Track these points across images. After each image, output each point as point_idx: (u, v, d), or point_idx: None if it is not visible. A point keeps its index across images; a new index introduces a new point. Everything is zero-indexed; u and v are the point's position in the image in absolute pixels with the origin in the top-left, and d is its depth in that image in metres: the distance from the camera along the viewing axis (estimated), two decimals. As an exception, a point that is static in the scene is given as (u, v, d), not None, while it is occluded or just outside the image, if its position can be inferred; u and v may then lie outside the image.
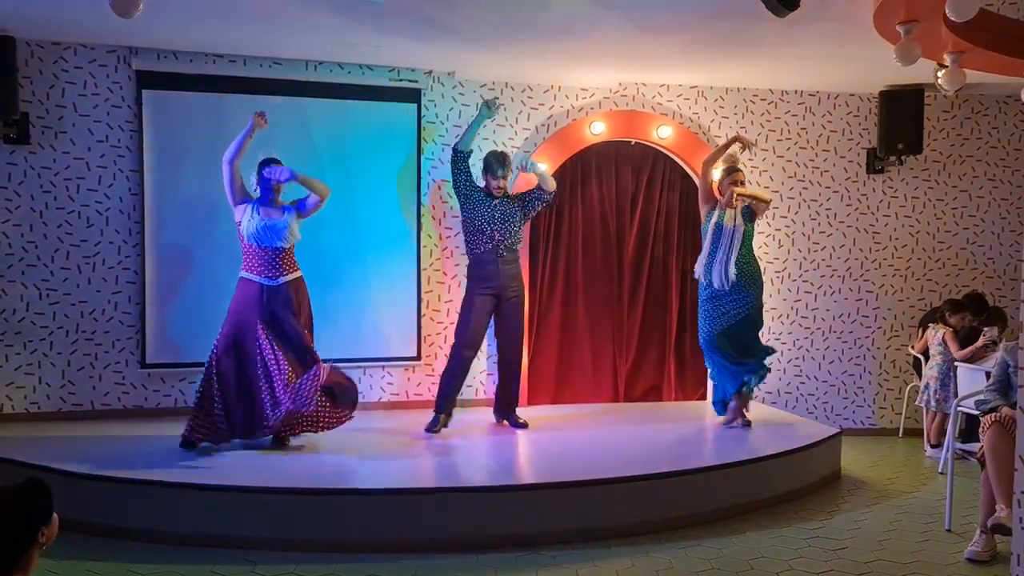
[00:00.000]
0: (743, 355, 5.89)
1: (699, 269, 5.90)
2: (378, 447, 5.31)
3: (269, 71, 6.06)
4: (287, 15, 4.93)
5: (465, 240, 5.83)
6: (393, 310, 6.32)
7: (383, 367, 6.40)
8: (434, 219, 6.48)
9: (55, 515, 2.38)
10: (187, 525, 4.31)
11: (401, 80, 6.30)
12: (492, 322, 5.82)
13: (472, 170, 5.79)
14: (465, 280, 5.95)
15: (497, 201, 5.70)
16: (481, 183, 5.78)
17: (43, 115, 5.77)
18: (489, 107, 5.68)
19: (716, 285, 5.77)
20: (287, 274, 5.17)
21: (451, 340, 5.92)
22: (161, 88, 5.88)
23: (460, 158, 5.71)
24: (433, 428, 5.63)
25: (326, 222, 6.14)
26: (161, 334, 5.92)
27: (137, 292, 5.92)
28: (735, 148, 5.97)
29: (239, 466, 4.79)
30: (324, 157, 6.14)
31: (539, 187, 5.81)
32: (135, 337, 5.95)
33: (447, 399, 5.73)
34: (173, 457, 4.87)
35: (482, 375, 6.56)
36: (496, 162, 5.71)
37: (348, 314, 6.23)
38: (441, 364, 6.05)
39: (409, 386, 6.46)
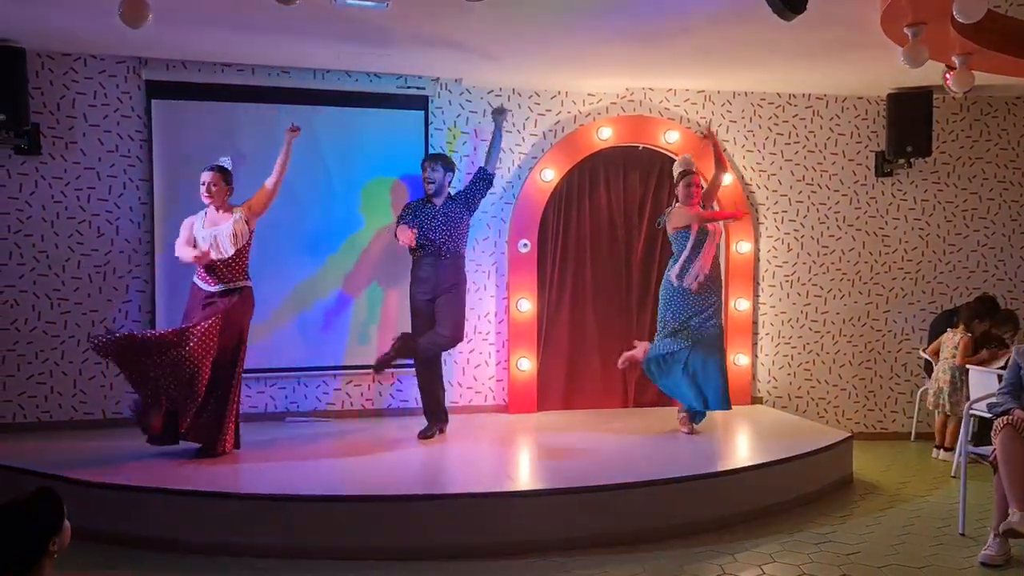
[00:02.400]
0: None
1: (678, 274, 5.73)
2: (387, 454, 5.32)
3: (277, 80, 6.09)
4: (295, 24, 4.95)
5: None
6: (403, 317, 6.32)
7: (393, 374, 6.40)
8: (442, 226, 6.48)
9: (67, 524, 2.39)
10: (197, 533, 4.33)
11: (408, 87, 6.32)
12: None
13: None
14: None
15: (440, 205, 5.70)
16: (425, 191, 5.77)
17: (53, 126, 5.81)
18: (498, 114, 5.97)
19: (690, 285, 5.69)
20: (229, 283, 5.12)
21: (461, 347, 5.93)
22: (170, 98, 5.92)
23: None
24: (426, 434, 5.67)
25: (334, 229, 6.18)
26: (171, 342, 5.94)
27: (148, 301, 5.95)
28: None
29: (249, 474, 4.82)
30: (332, 165, 6.16)
31: (480, 168, 5.90)
32: (146, 345, 5.98)
33: (429, 406, 5.78)
34: (184, 465, 4.90)
35: (491, 381, 6.57)
36: (425, 159, 5.80)
37: (357, 322, 6.26)
38: (448, 370, 6.05)
39: (419, 393, 6.45)
